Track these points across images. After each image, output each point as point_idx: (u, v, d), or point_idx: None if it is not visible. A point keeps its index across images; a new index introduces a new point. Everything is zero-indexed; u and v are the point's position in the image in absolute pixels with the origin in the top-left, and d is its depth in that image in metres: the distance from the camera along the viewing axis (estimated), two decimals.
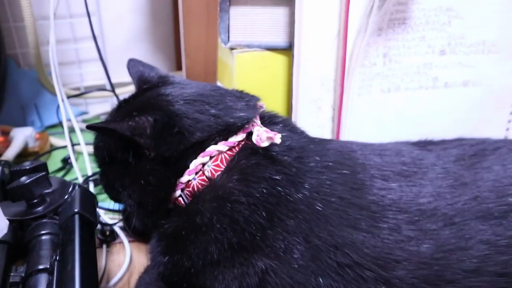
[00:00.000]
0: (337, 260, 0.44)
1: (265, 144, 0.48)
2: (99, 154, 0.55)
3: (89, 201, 0.55)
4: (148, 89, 0.56)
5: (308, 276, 0.44)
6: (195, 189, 0.50)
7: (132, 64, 0.63)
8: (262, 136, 0.48)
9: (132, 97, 0.57)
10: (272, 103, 0.61)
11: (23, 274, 0.47)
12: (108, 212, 0.73)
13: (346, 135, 0.69)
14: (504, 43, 0.71)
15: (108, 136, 0.51)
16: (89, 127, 0.49)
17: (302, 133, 0.56)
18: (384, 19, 0.65)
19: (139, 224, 0.54)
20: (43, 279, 0.46)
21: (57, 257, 0.47)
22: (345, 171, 0.49)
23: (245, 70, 0.69)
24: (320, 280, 0.43)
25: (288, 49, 0.69)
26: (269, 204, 0.46)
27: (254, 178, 0.47)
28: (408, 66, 0.69)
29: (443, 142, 0.56)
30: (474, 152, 0.52)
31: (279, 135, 0.47)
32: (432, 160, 0.51)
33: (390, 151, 0.54)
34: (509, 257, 0.42)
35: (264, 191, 0.47)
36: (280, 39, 0.69)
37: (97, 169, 0.60)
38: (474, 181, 0.47)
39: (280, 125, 0.55)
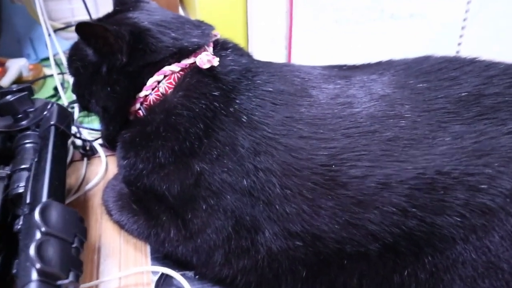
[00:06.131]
0: (255, 164, 0.52)
1: (206, 66, 0.56)
2: (73, 66, 0.63)
3: (65, 116, 0.65)
4: (119, 12, 0.64)
5: (235, 177, 0.53)
6: (151, 103, 0.58)
7: None
8: (203, 59, 0.56)
9: (106, 17, 0.64)
10: (232, 33, 0.68)
11: (8, 172, 0.58)
12: (91, 131, 0.83)
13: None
14: None
15: (90, 39, 0.57)
16: (80, 25, 0.55)
17: (247, 56, 0.63)
18: None
19: (105, 129, 0.64)
20: (24, 175, 0.57)
21: (35, 159, 0.58)
22: (270, 89, 0.56)
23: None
24: (244, 181, 0.52)
25: None
26: (206, 118, 0.55)
27: (195, 94, 0.56)
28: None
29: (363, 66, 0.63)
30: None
31: (217, 59, 0.56)
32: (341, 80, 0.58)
33: (314, 72, 0.61)
34: (390, 171, 0.48)
35: (203, 106, 0.55)
36: None
37: None
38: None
39: (230, 50, 0.62)
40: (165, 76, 0.58)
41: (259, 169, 0.52)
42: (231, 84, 0.57)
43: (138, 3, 0.66)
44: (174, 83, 0.58)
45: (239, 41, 0.74)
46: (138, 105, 0.60)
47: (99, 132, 0.80)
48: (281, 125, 0.53)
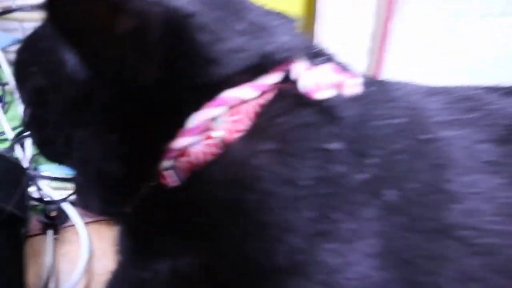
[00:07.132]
0: (413, 280, 0.27)
1: (323, 94, 0.29)
2: (28, 83, 0.34)
3: (13, 183, 0.34)
4: None
5: None
6: (197, 161, 0.29)
7: None
8: (320, 79, 0.29)
9: None
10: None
11: None
12: (56, 181, 0.51)
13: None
14: None
15: (75, 31, 0.28)
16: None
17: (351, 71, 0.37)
18: None
19: (96, 204, 0.35)
20: None
21: None
22: (422, 136, 0.31)
23: None
24: None
25: None
26: (320, 197, 0.28)
27: (299, 151, 0.29)
28: None
29: None
30: None
31: (356, 80, 0.29)
32: None
33: (473, 103, 0.36)
34: None
35: (316, 174, 0.28)
36: None
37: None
38: None
39: (325, 56, 0.35)
40: (230, 108, 0.29)
41: None
42: (356, 127, 0.30)
43: None
44: (245, 123, 0.29)
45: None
46: (168, 163, 0.30)
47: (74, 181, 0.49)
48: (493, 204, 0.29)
